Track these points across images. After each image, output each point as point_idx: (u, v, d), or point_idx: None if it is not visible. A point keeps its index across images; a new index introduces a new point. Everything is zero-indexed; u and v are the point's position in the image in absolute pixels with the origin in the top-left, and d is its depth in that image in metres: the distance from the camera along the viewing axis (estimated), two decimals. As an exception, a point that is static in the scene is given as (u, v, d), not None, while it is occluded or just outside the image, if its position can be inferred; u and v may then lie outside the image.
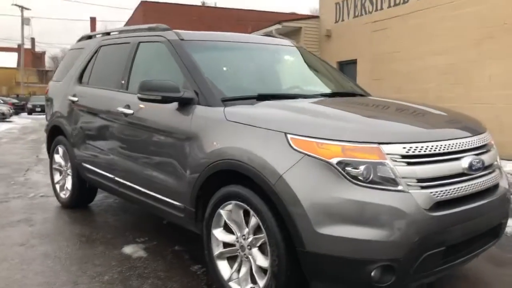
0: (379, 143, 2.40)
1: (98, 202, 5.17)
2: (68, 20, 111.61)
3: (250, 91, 3.34)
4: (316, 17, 15.33)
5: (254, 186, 2.66)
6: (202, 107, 3.11)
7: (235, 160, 2.71)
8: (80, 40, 5.27)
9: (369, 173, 2.36)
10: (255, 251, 2.73)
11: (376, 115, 3.08)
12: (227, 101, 3.10)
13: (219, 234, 2.94)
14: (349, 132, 2.47)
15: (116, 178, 3.93)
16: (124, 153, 3.82)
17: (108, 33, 4.75)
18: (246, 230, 2.76)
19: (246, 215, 2.77)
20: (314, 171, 2.41)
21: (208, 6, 35.96)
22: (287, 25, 14.97)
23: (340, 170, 2.37)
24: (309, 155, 2.43)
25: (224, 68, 3.63)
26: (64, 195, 5.00)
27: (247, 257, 2.77)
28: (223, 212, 2.89)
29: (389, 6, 11.69)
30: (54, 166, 5.17)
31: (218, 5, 39.05)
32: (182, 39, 3.63)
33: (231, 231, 2.88)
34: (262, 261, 2.68)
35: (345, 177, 2.36)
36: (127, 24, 40.70)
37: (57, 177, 5.17)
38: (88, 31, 22.79)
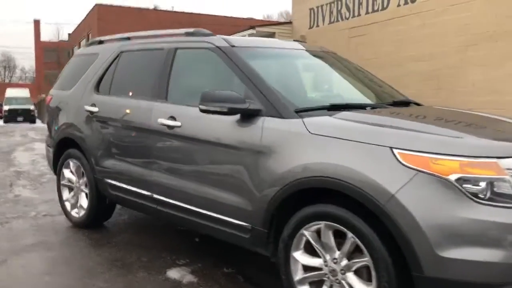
0: (498, 158, 2.28)
1: (112, 219, 4.78)
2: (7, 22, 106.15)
3: (317, 101, 3.15)
4: (290, 22, 15.30)
5: (350, 206, 2.47)
6: (273, 119, 2.89)
7: (328, 177, 2.51)
8: (90, 45, 4.88)
9: (489, 189, 2.23)
10: (350, 275, 2.53)
11: (477, 127, 2.94)
12: (300, 112, 2.89)
13: (301, 257, 2.73)
14: (466, 146, 2.34)
15: (155, 196, 3.62)
16: (168, 169, 3.51)
17: (127, 38, 4.40)
18: (338, 253, 2.57)
19: (337, 236, 2.58)
20: (431, 189, 2.26)
21: (166, 10, 35.31)
22: (261, 30, 14.86)
23: (460, 187, 2.22)
24: (423, 172, 2.28)
25: (282, 77, 3.40)
26: (77, 213, 4.58)
27: (339, 282, 2.57)
28: (307, 233, 2.68)
29: (367, 13, 11.82)
30: (63, 182, 4.74)
31: (175, 9, 38.34)
32: (233, 46, 3.39)
33: (315, 253, 2.68)
34: (360, 286, 2.49)
35: (466, 194, 2.22)
36: (80, 27, 39.27)
37: (66, 194, 4.74)
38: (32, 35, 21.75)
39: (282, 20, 46.03)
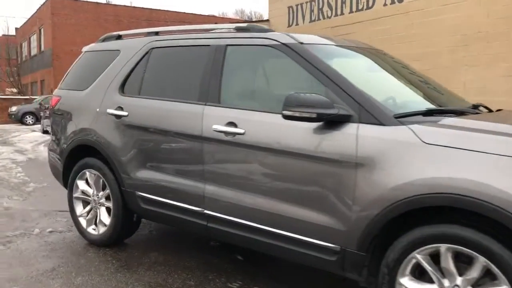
0: None
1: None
2: None
3: (410, 105, 2.85)
4: (267, 20, 14.98)
5: (484, 227, 2.18)
6: (371, 127, 2.55)
7: (458, 195, 2.19)
8: (105, 40, 4.34)
9: None
10: (477, 304, 2.24)
11: None
12: (398, 118, 2.57)
13: (409, 283, 2.41)
14: None
15: (207, 212, 3.19)
16: (226, 182, 3.09)
17: (156, 33, 3.92)
18: (460, 279, 2.27)
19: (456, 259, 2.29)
20: None
21: (124, 6, 34.07)
22: (237, 27, 14.43)
23: None
24: None
25: (361, 78, 3.05)
26: (95, 230, 4.06)
27: (460, 311, 2.28)
28: (420, 257, 2.36)
29: (351, 12, 11.69)
30: (76, 195, 4.19)
31: (134, 5, 37.10)
32: (302, 43, 3.03)
33: (425, 279, 2.37)
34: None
35: None
36: (29, 22, 37.24)
37: (80, 208, 4.20)
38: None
39: (237, 17, 45.68)
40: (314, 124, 2.69)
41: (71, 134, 4.14)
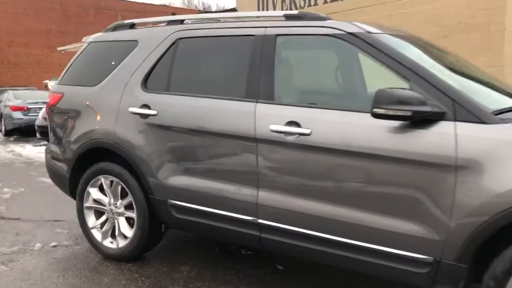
0: None
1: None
2: None
3: (489, 100, 2.62)
4: (234, 9, 14.55)
5: None
6: (471, 125, 2.31)
7: None
8: (115, 29, 3.84)
9: None
10: None
11: None
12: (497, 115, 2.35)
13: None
14: None
15: (261, 221, 2.86)
16: (289, 188, 2.77)
17: (180, 21, 3.50)
18: None
19: None
20: None
21: (71, -6, 32.33)
22: (205, 17, 13.92)
23: None
24: None
25: (439, 71, 2.79)
26: (113, 243, 3.61)
27: None
28: (535, 267, 2.16)
29: (325, 2, 11.52)
30: (87, 204, 3.71)
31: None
32: (370, 32, 2.74)
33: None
34: None
35: None
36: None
37: (92, 219, 3.72)
38: None
39: (184, 7, 44.65)
40: (399, 123, 2.42)
41: (80, 136, 3.65)
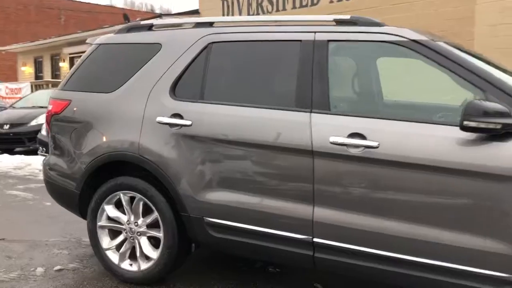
0: None
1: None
2: None
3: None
4: (196, 11, 14.23)
5: None
6: None
7: None
8: (131, 30, 3.50)
9: None
10: None
11: None
12: None
13: None
14: None
15: (317, 240, 2.68)
16: (352, 204, 2.60)
17: (210, 24, 3.24)
18: None
19: None
20: None
21: (11, -8, 30.58)
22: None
23: None
24: None
25: None
26: (132, 265, 3.28)
27: None
28: None
29: (294, 7, 11.49)
30: (102, 223, 3.36)
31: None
32: (433, 40, 2.64)
33: None
34: None
35: None
36: None
37: (106, 240, 3.37)
38: None
39: (127, 8, 43.56)
40: (475, 135, 2.33)
41: (95, 148, 3.29)
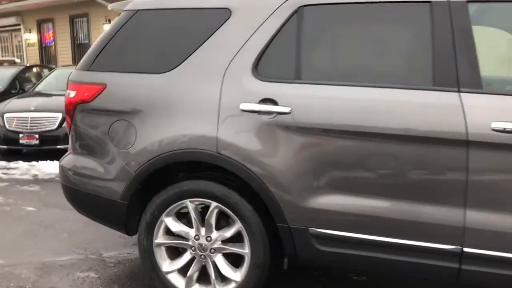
0: None
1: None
2: None
3: None
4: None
5: None
6: None
7: None
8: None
9: None
10: None
11: None
12: None
13: None
14: None
15: (468, 250, 2.18)
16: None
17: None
18: None
19: None
20: None
21: None
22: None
23: None
24: None
25: None
26: (206, 290, 2.62)
27: None
28: None
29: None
30: (160, 240, 2.64)
31: None
32: None
33: None
34: None
35: None
36: None
37: (166, 261, 2.68)
38: None
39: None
40: None
41: (151, 147, 2.54)
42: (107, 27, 13.63)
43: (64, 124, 6.99)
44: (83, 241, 3.69)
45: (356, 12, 2.41)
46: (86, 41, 16.20)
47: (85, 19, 16.00)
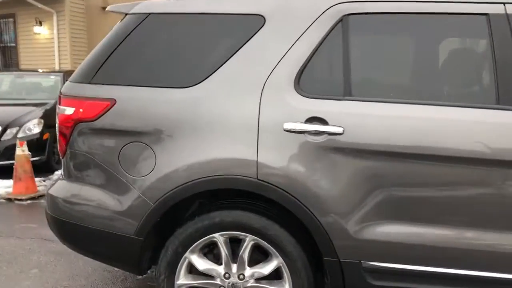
0: None
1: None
2: None
3: None
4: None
5: None
6: None
7: None
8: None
9: None
10: None
11: None
12: None
13: None
14: None
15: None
16: None
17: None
18: None
19: None
20: None
21: None
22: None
23: None
24: None
25: None
26: (235, 338, 2.28)
27: None
28: None
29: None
30: (184, 281, 2.28)
31: None
32: None
33: None
34: None
35: None
36: None
37: (190, 304, 2.31)
38: None
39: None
40: None
41: (175, 173, 2.17)
42: (38, 29, 12.83)
43: (3, 138, 6.29)
44: (60, 278, 3.18)
45: (403, 22, 2.21)
46: (13, 44, 14.92)
47: (11, 20, 14.75)
